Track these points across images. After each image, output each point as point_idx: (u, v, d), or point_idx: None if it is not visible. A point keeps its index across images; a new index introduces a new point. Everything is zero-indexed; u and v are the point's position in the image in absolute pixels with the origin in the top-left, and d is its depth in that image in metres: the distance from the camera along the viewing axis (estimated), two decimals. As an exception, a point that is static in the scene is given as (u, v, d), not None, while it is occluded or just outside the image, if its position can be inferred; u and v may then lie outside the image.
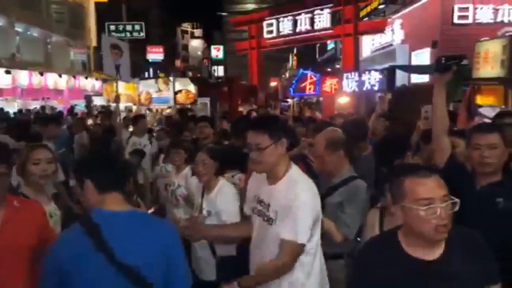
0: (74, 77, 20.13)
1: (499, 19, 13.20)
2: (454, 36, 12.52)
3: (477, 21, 13.15)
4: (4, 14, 15.95)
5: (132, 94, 12.54)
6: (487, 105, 5.86)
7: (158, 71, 36.43)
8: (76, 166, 2.01)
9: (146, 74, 33.07)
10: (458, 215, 1.52)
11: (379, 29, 16.21)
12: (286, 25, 18.08)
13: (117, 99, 6.53)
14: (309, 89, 12.32)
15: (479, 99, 5.95)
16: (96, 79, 21.53)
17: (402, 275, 1.54)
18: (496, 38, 6.24)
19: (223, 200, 2.87)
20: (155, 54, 37.15)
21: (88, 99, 17.36)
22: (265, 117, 2.70)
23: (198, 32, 70.04)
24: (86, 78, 21.50)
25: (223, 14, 58.26)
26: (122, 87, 11.42)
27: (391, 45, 16.73)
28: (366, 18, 17.97)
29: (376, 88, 10.17)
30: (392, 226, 2.14)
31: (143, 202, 3.71)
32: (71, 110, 15.93)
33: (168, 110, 12.83)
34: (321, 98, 13.73)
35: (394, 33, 16.42)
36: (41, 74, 16.64)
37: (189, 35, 67.34)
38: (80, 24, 23.57)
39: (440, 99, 2.58)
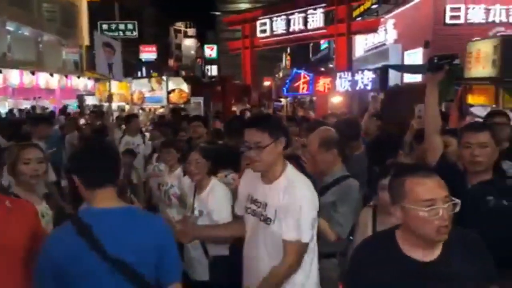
0: (66, 76, 19.98)
1: (490, 19, 13.32)
2: (446, 36, 12.61)
3: (469, 21, 13.27)
4: (-5, 13, 15.80)
5: (125, 93, 12.47)
6: (479, 104, 5.91)
7: (151, 71, 36.33)
8: (67, 164, 2.02)
9: (139, 74, 32.93)
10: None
11: (372, 29, 16.28)
12: (279, 25, 18.10)
13: (110, 98, 6.50)
14: (303, 88, 12.35)
15: (471, 99, 6.00)
16: (89, 78, 21.38)
17: (400, 276, 1.53)
18: (487, 38, 6.30)
19: (214, 200, 2.86)
20: (148, 53, 36.97)
21: (80, 98, 17.23)
22: (264, 115, 2.69)
23: (191, 31, 69.87)
24: (78, 77, 21.34)
25: (217, 13, 58.20)
26: (115, 87, 11.35)
27: (384, 44, 16.81)
28: (359, 18, 18.04)
29: (369, 87, 10.22)
30: (384, 224, 2.15)
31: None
32: (63, 109, 15.81)
33: (161, 110, 12.77)
34: (314, 98, 13.77)
35: (387, 33, 16.50)
36: (33, 73, 16.49)
37: (183, 34, 67.16)
38: (72, 23, 23.36)
39: (432, 98, 2.60)
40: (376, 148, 3.08)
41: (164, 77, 13.06)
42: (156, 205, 4.46)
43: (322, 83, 11.93)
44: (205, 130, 5.29)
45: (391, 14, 16.61)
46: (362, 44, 19.19)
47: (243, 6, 51.23)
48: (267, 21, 18.41)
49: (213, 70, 55.50)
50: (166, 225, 1.87)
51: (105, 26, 21.91)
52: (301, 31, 17.62)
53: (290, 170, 2.11)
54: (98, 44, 5.97)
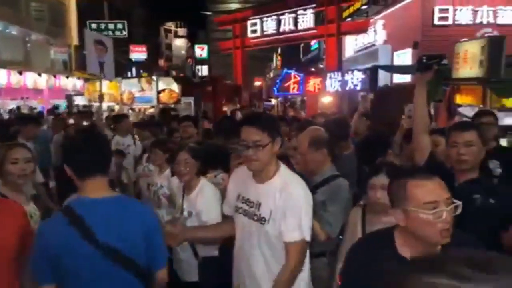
0: (55, 76, 19.75)
1: (478, 20, 13.51)
2: (434, 37, 12.76)
3: (456, 22, 13.44)
4: (-18, 12, 15.55)
5: (115, 93, 12.40)
6: (466, 104, 5.97)
7: (141, 71, 36.06)
8: (57, 161, 2.04)
9: (129, 74, 32.66)
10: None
11: (362, 30, 16.39)
12: (270, 25, 18.13)
13: (101, 98, 6.40)
14: (293, 88, 12.39)
15: (459, 99, 6.06)
16: (78, 78, 21.16)
17: None
18: (475, 39, 6.36)
19: (203, 201, 2.83)
20: (138, 53, 36.72)
21: (69, 98, 17.05)
22: (262, 114, 2.66)
23: (182, 31, 69.50)
24: (67, 77, 21.11)
25: (207, 13, 58.04)
26: (105, 87, 11.28)
27: (373, 45, 16.94)
28: (349, 19, 18.17)
29: (358, 87, 10.28)
30: (374, 224, 2.16)
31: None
32: (52, 110, 15.62)
33: (151, 110, 12.71)
34: (305, 98, 13.82)
35: (377, 33, 16.63)
36: (20, 73, 16.27)
37: (173, 34, 66.80)
38: (61, 22, 23.09)
39: (421, 98, 2.63)
40: (365, 148, 3.10)
41: (154, 77, 13.01)
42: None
43: (313, 83, 11.99)
44: (195, 130, 5.28)
45: (381, 15, 16.74)
46: (352, 44, 19.30)
47: (234, 6, 51.20)
48: (258, 21, 18.42)
49: (203, 70, 55.12)
50: (153, 212, 1.95)
51: (94, 26, 21.71)
52: (291, 32, 17.67)
53: (284, 170, 2.10)
54: (89, 41, 5.66)
